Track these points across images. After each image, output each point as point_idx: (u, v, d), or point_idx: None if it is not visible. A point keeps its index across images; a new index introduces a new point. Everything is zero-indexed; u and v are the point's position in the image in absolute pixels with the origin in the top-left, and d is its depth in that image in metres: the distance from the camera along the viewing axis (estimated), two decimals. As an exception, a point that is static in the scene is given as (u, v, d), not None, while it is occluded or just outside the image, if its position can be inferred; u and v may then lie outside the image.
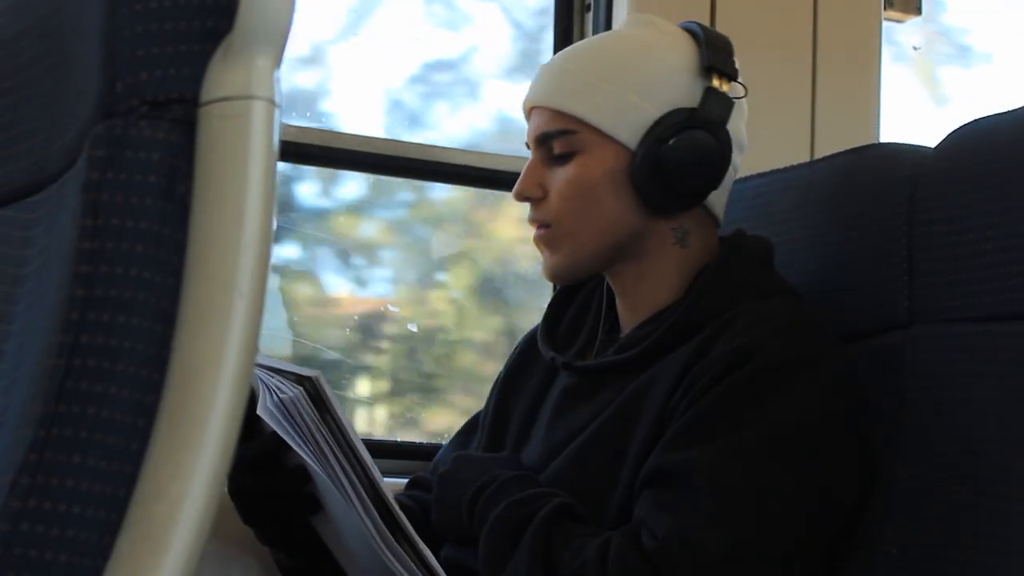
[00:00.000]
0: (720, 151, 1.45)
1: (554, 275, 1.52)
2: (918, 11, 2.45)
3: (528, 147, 1.52)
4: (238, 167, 0.75)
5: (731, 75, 1.47)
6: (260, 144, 0.75)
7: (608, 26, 2.14)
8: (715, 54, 1.47)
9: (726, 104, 1.46)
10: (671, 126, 1.44)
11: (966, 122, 1.44)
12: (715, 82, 1.46)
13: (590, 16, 2.18)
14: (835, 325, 1.47)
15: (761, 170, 1.69)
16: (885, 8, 2.34)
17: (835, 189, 1.57)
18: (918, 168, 1.47)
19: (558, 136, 1.48)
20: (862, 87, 2.27)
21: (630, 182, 1.46)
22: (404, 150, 2.10)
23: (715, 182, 1.47)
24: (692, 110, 1.45)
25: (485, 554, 1.40)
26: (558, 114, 1.48)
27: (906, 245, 1.45)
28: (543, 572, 1.35)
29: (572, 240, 1.48)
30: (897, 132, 2.34)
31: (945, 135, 1.46)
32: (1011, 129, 1.40)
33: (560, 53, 1.54)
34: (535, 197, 1.50)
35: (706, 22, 2.09)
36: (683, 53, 1.48)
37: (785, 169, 1.67)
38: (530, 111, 1.52)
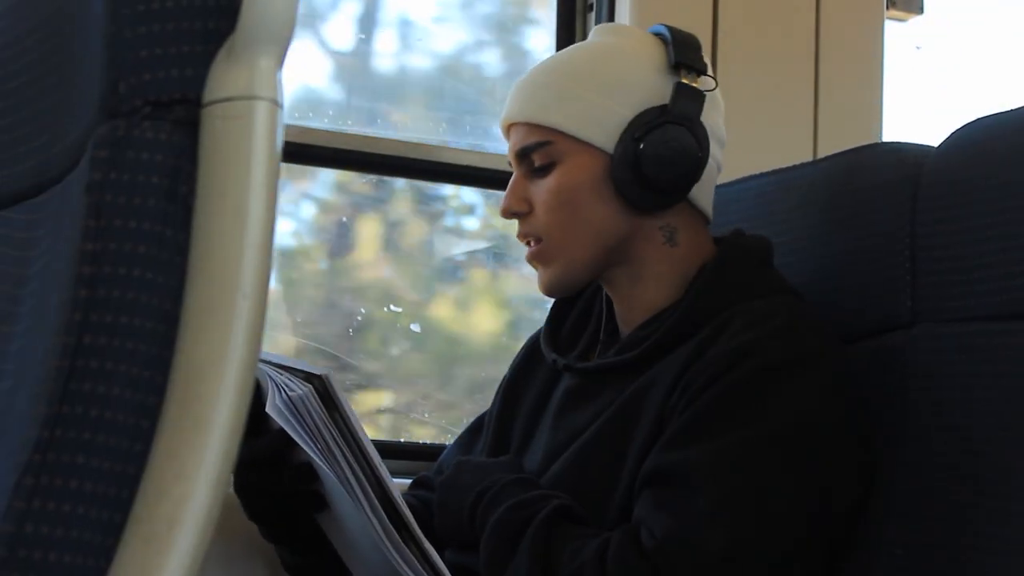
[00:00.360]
0: (696, 144, 1.46)
1: (550, 290, 1.52)
2: (920, 10, 2.46)
3: (510, 165, 1.53)
4: (241, 168, 0.75)
5: (700, 69, 1.48)
6: (263, 145, 0.75)
7: (610, 26, 2.13)
8: (682, 51, 1.48)
9: (697, 98, 1.47)
10: (644, 124, 1.45)
11: (968, 121, 1.44)
12: (684, 78, 1.47)
13: (592, 16, 2.18)
14: (836, 325, 1.46)
15: (764, 170, 1.68)
16: (887, 7, 2.34)
17: (837, 189, 1.57)
18: (920, 167, 1.46)
19: (536, 149, 1.49)
20: (864, 86, 2.27)
21: (611, 184, 1.46)
22: (407, 150, 2.11)
23: (695, 176, 1.47)
24: (663, 107, 1.46)
25: (486, 557, 1.40)
26: (534, 127, 1.49)
27: (909, 245, 1.45)
28: (543, 573, 1.35)
29: (563, 252, 1.49)
30: (900, 131, 2.34)
31: (948, 134, 1.46)
32: (1013, 128, 1.40)
33: (531, 68, 1.55)
34: (521, 212, 1.51)
35: (708, 23, 2.10)
36: (650, 54, 1.49)
37: (787, 169, 1.67)
38: (508, 128, 1.53)
